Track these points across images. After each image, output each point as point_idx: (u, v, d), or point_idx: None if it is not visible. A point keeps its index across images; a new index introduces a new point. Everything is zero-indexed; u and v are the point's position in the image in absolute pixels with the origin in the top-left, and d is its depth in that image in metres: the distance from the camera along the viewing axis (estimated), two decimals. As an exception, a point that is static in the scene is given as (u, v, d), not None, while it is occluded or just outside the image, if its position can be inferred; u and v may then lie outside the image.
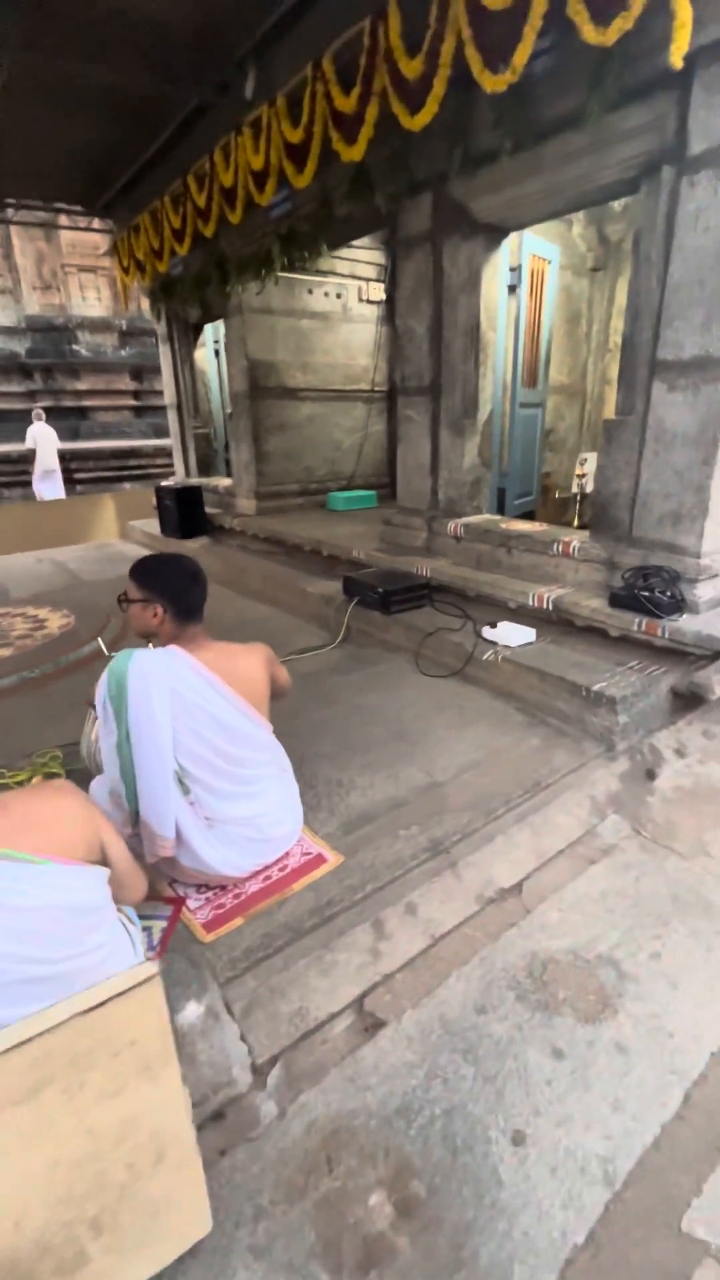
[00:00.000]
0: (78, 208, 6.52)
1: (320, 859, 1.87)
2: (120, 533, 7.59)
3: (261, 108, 3.54)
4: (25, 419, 10.16)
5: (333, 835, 1.99)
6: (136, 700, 1.55)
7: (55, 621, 4.15)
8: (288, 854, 1.87)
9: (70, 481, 10.78)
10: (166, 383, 6.72)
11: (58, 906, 1.12)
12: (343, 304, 5.70)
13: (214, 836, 1.69)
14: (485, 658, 2.94)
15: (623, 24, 2.02)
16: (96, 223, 7.19)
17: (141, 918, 1.64)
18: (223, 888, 1.76)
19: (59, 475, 9.77)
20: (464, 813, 2.10)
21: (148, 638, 1.74)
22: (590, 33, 2.10)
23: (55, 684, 3.21)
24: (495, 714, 2.72)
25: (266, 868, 1.81)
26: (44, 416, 9.82)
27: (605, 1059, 1.40)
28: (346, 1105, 1.32)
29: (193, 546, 5.71)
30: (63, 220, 10.21)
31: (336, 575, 4.02)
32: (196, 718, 1.60)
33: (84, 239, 11.13)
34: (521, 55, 2.29)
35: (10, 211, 7.24)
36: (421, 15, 2.58)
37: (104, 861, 1.29)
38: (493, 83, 2.40)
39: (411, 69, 2.67)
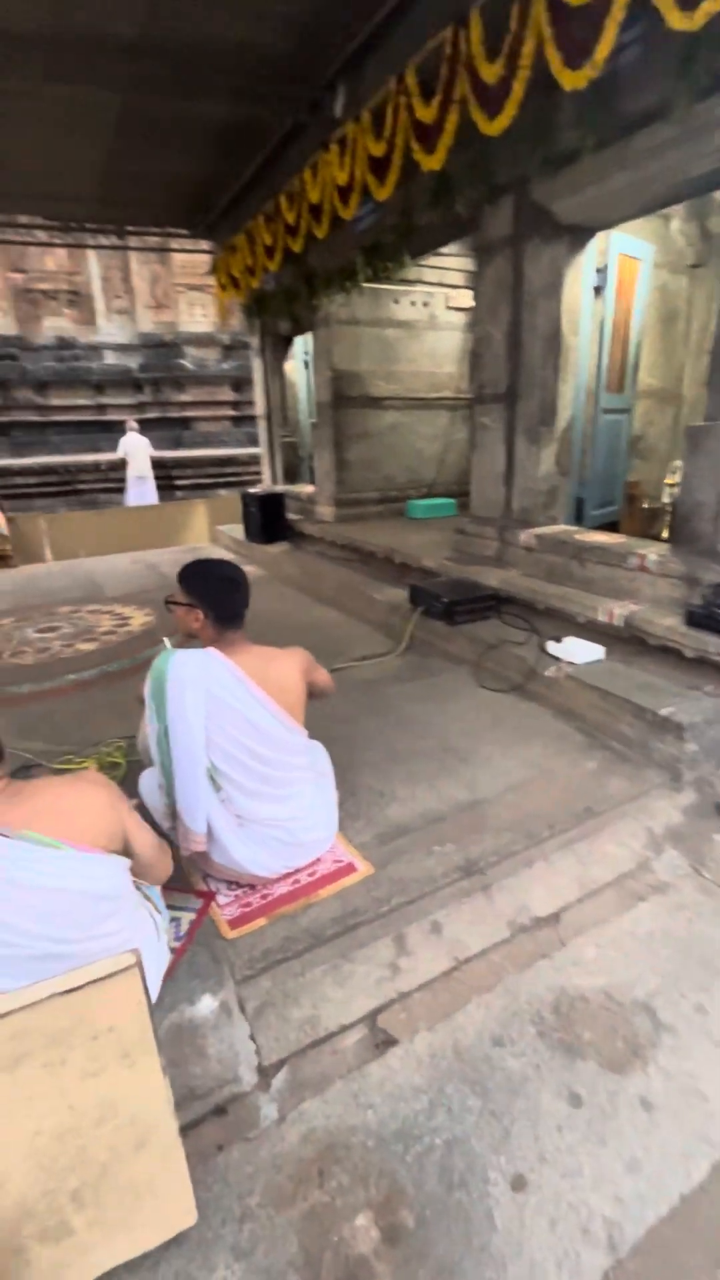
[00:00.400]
0: (184, 231, 6.93)
1: (350, 868, 1.86)
2: (210, 537, 7.96)
3: (347, 125, 3.62)
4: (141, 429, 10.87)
5: (367, 845, 1.98)
6: (173, 699, 1.62)
7: (138, 620, 4.41)
8: (319, 859, 1.88)
9: (171, 487, 11.43)
10: (257, 394, 6.98)
11: (74, 891, 1.19)
12: (429, 312, 5.69)
13: (244, 835, 1.73)
14: (548, 673, 2.83)
15: (711, 6, 1.89)
16: (203, 244, 7.61)
17: (171, 908, 1.70)
18: (251, 887, 1.80)
19: (151, 482, 10.36)
20: (504, 833, 2.02)
21: (193, 638, 1.81)
22: (676, 18, 1.98)
23: (130, 679, 3.41)
24: (552, 733, 2.61)
25: (296, 871, 1.83)
26: (137, 427, 10.46)
27: (627, 1113, 1.30)
28: (346, 1120, 1.31)
29: (273, 551, 5.89)
30: (174, 244, 10.87)
31: (406, 583, 4.01)
32: (230, 719, 1.65)
33: (194, 260, 11.80)
34: (604, 49, 2.20)
35: (130, 238, 7.81)
36: (502, 20, 2.54)
37: (126, 852, 1.36)
38: (572, 79, 2.32)
39: (491, 73, 2.64)
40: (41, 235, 10.18)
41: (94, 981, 0.86)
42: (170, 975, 1.53)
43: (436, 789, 2.26)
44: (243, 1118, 1.31)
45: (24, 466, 10.78)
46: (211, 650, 1.69)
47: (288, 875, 1.82)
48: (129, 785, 2.16)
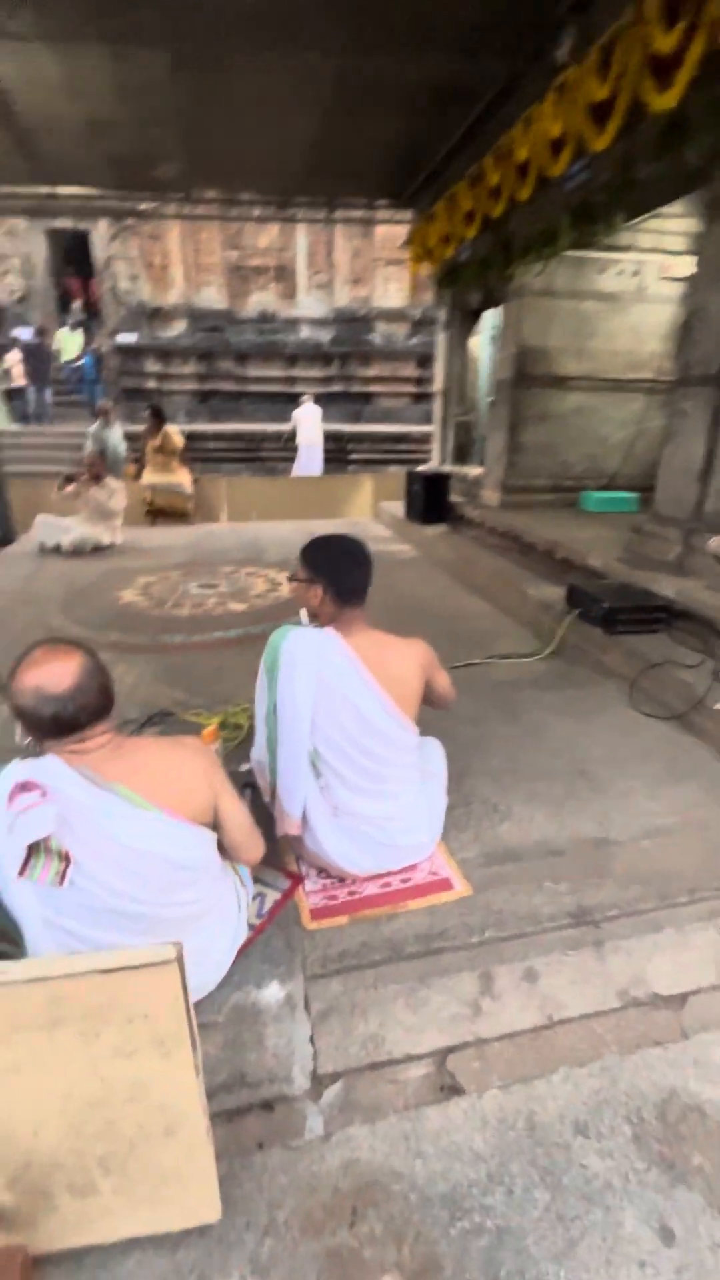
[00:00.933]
0: (386, 201, 6.86)
1: (446, 883, 1.72)
2: (373, 512, 8.00)
3: (569, 70, 3.26)
4: (320, 402, 11.22)
5: (469, 862, 1.82)
6: (284, 677, 1.57)
7: (287, 587, 4.52)
8: (414, 867, 1.76)
9: (344, 461, 11.68)
10: (438, 368, 6.79)
11: (155, 854, 1.18)
12: (638, 282, 5.09)
13: (338, 827, 1.66)
14: (717, 706, 2.41)
15: None
16: (405, 214, 7.50)
17: (257, 882, 1.69)
18: (340, 880, 1.73)
19: (319, 453, 10.58)
20: (632, 885, 1.75)
21: (313, 615, 1.75)
22: None
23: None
24: (712, 777, 2.22)
25: (388, 874, 1.73)
26: (310, 399, 10.71)
27: (734, 1274, 1.04)
28: (393, 1163, 1.20)
29: (430, 533, 5.74)
30: (378, 215, 10.88)
31: (565, 582, 3.67)
32: (337, 704, 1.57)
33: (394, 233, 11.75)
34: None
35: (337, 212, 7.93)
36: None
37: (215, 826, 1.34)
38: None
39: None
40: (257, 212, 10.73)
41: (130, 968, 0.82)
42: (244, 952, 1.52)
43: (560, 817, 2.02)
44: (288, 1122, 1.25)
45: (217, 432, 11.63)
46: (330, 631, 1.61)
47: (378, 876, 1.72)
48: (246, 749, 2.19)
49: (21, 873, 1.11)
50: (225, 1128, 1.22)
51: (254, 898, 1.64)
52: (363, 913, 1.63)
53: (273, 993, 1.43)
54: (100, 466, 6.13)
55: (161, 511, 7.35)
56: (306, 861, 1.77)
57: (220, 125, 4.72)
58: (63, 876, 1.12)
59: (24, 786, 1.14)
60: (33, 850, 1.11)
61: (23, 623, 3.92)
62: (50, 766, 1.16)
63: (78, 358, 12.25)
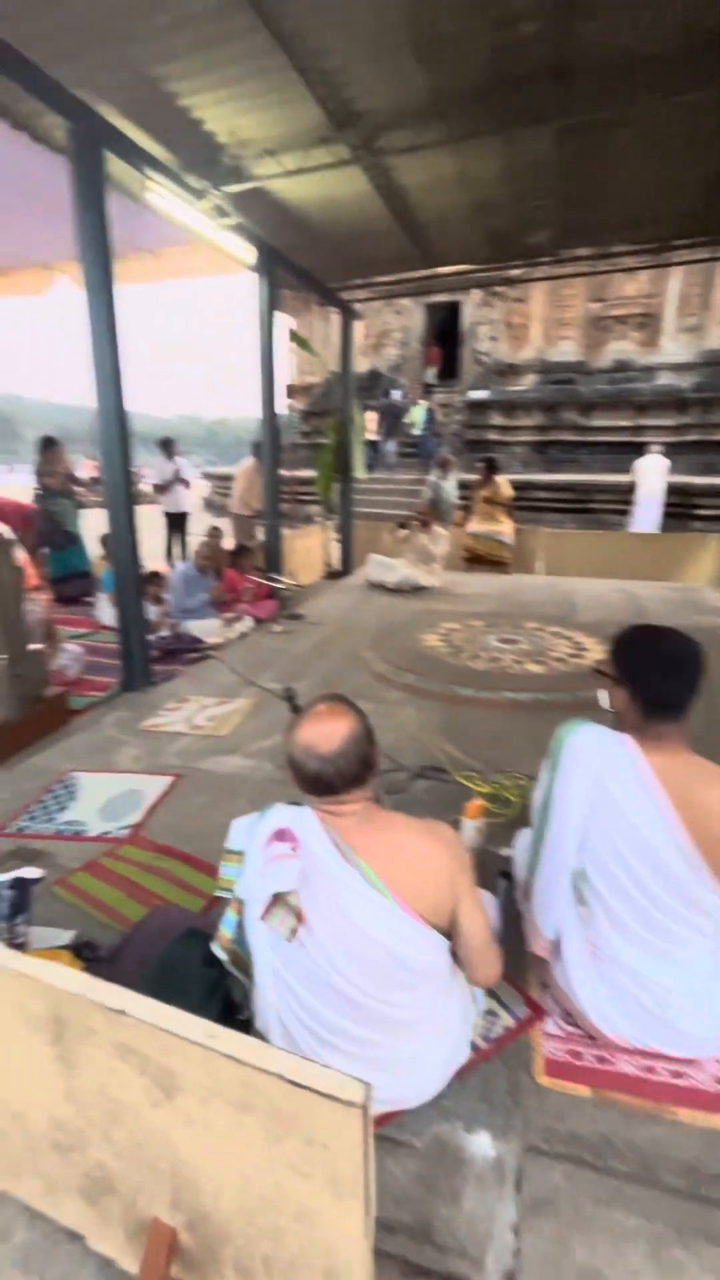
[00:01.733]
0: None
1: (739, 1104, 1.28)
2: (715, 578, 6.90)
3: None
4: (669, 453, 10.24)
5: (781, 1086, 1.33)
6: (562, 774, 1.37)
7: (595, 654, 4.14)
8: (695, 1063, 1.35)
9: (689, 517, 10.40)
10: None
11: (382, 944, 1.12)
12: None
13: (596, 973, 1.37)
14: None
15: None
16: None
17: (490, 996, 1.50)
18: (590, 1037, 1.42)
19: (658, 507, 9.48)
20: None
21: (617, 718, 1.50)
22: None
23: (559, 715, 3.22)
24: None
25: (654, 1057, 1.36)
26: (660, 450, 9.65)
27: None
28: None
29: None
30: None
31: None
32: (619, 827, 1.30)
33: None
34: None
35: None
36: None
37: (450, 929, 1.22)
38: None
39: None
40: (629, 261, 10.39)
41: (314, 1091, 0.75)
42: (463, 1075, 1.35)
43: None
44: (465, 1318, 1.05)
45: (549, 482, 11.51)
46: (625, 739, 1.35)
47: (642, 1053, 1.37)
48: (514, 828, 2.02)
49: (263, 916, 1.16)
50: (389, 1269, 1.07)
51: (484, 1013, 1.46)
52: (610, 1092, 1.31)
53: (482, 1145, 1.23)
54: (431, 514, 6.59)
55: (480, 559, 7.54)
56: (553, 996, 1.51)
57: (598, 184, 4.67)
58: (293, 933, 1.13)
59: (280, 835, 1.19)
60: (276, 899, 1.15)
61: (340, 652, 4.39)
62: (306, 821, 1.20)
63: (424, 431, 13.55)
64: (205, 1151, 0.89)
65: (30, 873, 1.46)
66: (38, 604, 3.98)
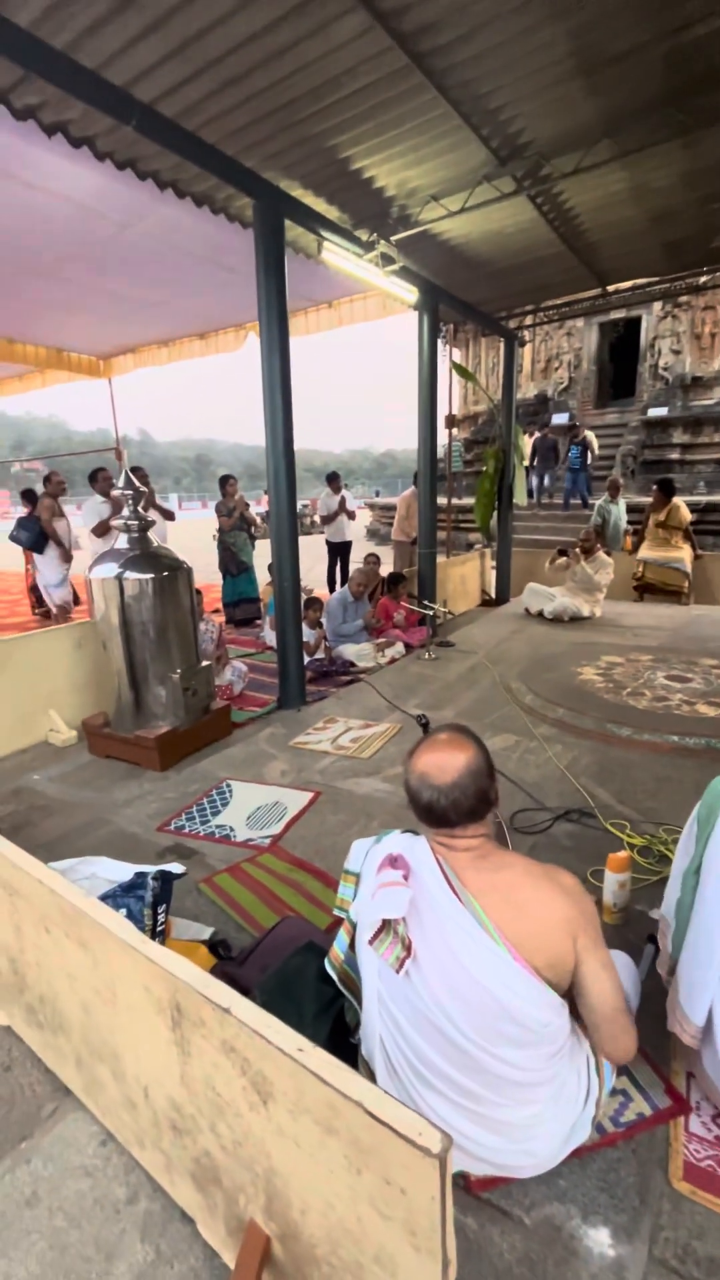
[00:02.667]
0: None
1: None
2: None
3: None
4: None
5: None
6: (717, 837, 1.21)
7: (788, 698, 3.58)
8: None
9: None
10: None
11: (488, 991, 1.07)
12: None
13: (754, 1072, 1.17)
14: None
15: None
16: None
17: (621, 1074, 1.35)
18: (745, 1145, 1.21)
19: None
20: None
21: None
22: None
23: (739, 766, 2.84)
24: None
25: None
26: None
27: None
28: None
29: None
30: None
31: None
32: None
33: None
34: None
35: None
36: None
37: (572, 990, 1.12)
38: None
39: None
40: None
41: (391, 1129, 0.73)
42: (583, 1157, 1.22)
43: None
44: None
45: (739, 504, 10.31)
46: None
47: None
48: (664, 889, 1.82)
49: (371, 941, 1.16)
50: None
51: (612, 1093, 1.31)
52: (768, 1220, 1.10)
53: (601, 1242, 1.10)
54: (594, 540, 6.23)
55: (651, 588, 6.94)
56: (700, 1087, 1.32)
57: None
58: (400, 964, 1.12)
59: (394, 861, 1.19)
60: (385, 925, 1.15)
61: (489, 681, 4.29)
62: (420, 852, 1.19)
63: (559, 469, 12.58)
64: (295, 1165, 0.91)
65: (175, 868, 1.61)
66: (213, 624, 4.44)
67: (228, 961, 1.67)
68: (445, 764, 1.15)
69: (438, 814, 1.14)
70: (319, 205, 3.93)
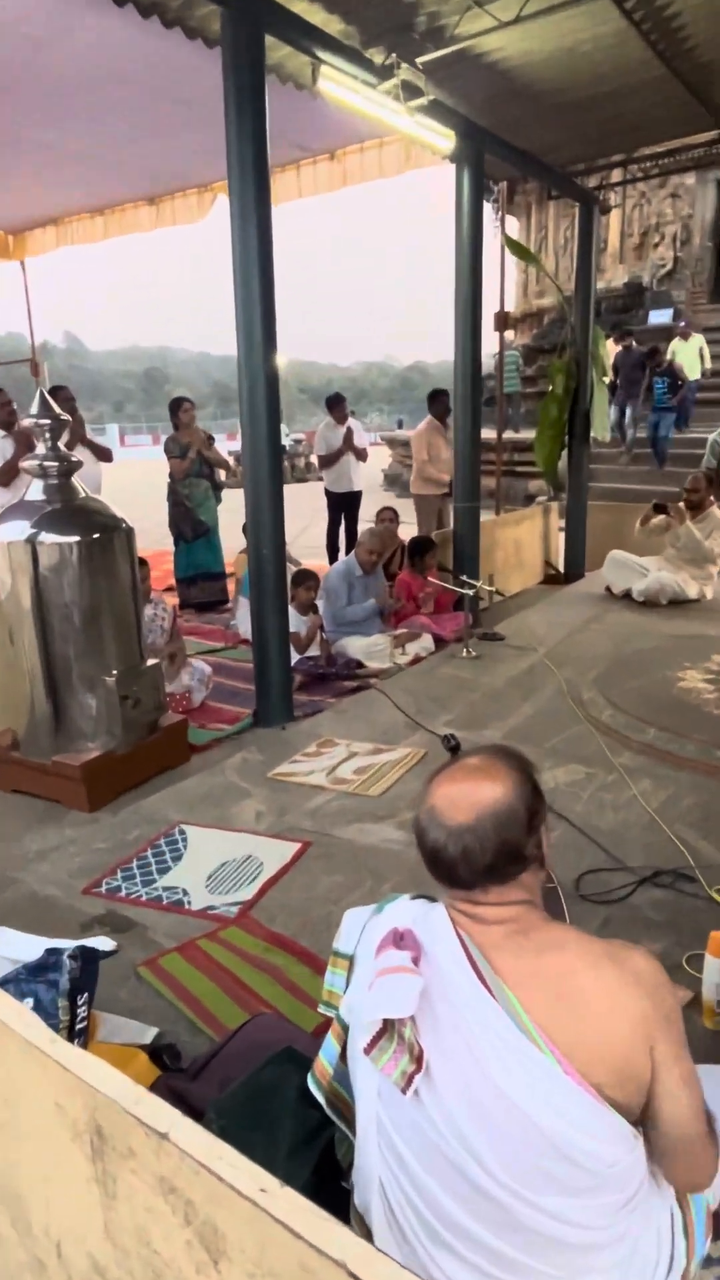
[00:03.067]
0: None
1: None
2: None
3: None
4: None
5: None
6: None
7: None
8: None
9: None
10: None
11: (530, 1119, 1.08)
12: None
13: None
14: None
15: None
16: None
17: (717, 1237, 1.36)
18: None
19: None
20: None
21: None
22: None
23: None
24: None
25: None
26: None
27: None
28: None
29: None
30: None
31: None
32: None
33: None
34: None
35: None
36: None
37: (639, 1106, 1.14)
38: None
39: None
40: None
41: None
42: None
43: None
44: None
45: None
46: None
47: None
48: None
49: (368, 1049, 1.18)
50: None
51: (706, 1262, 1.33)
52: None
53: None
54: (706, 491, 6.20)
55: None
56: None
57: None
58: (408, 1082, 1.14)
59: (399, 939, 1.21)
60: (387, 1028, 1.17)
61: (551, 689, 4.30)
62: (437, 925, 1.20)
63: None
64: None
65: (103, 944, 1.64)
66: (164, 609, 4.49)
67: (176, 1074, 1.71)
68: (462, 798, 1.16)
69: (444, 866, 1.16)
70: (315, 14, 3.93)
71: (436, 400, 7.11)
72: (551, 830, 1.19)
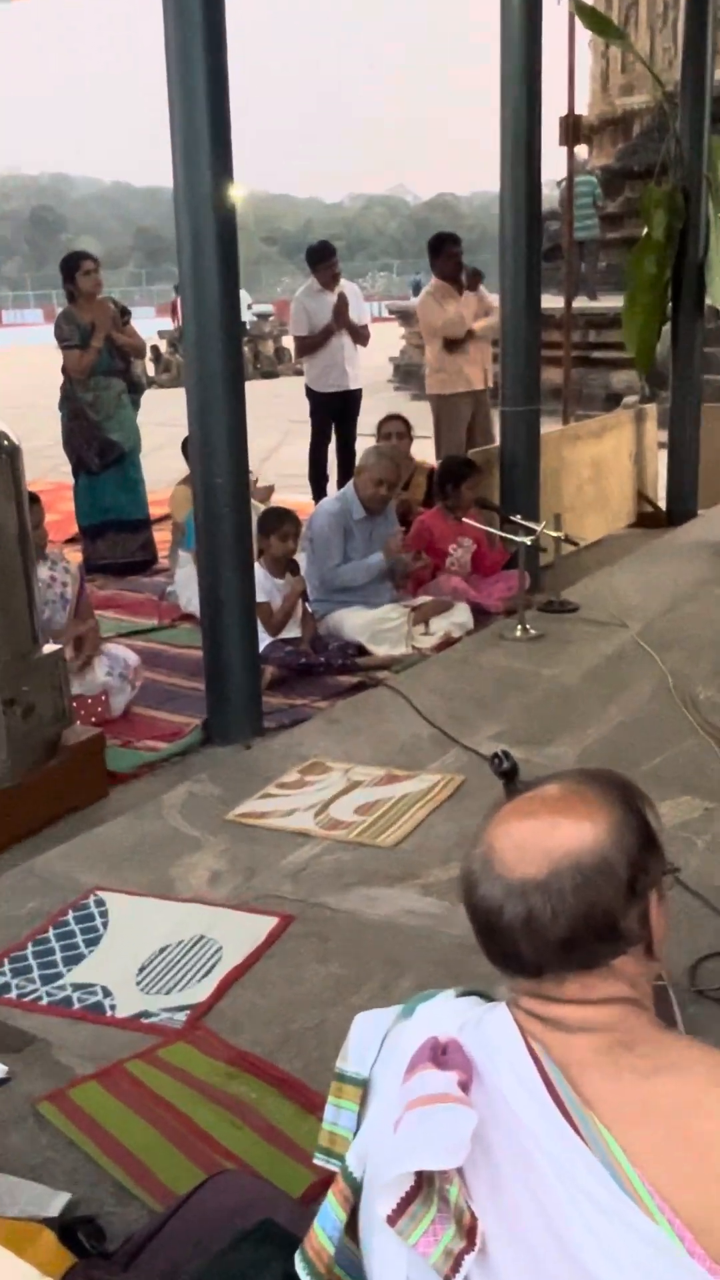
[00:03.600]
0: None
1: None
2: None
3: None
4: None
5: None
6: None
7: None
8: None
9: None
10: None
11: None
12: None
13: None
14: None
15: None
16: None
17: None
18: None
19: None
20: None
21: None
22: None
23: None
24: None
25: None
26: None
27: None
28: None
29: None
30: None
31: None
32: None
33: None
34: None
35: None
36: None
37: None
38: None
39: None
40: None
41: None
42: None
43: None
44: None
45: None
46: None
47: None
48: None
49: (393, 1218, 1.19)
50: None
51: None
52: None
53: None
54: None
55: None
56: None
57: None
58: (456, 1264, 1.15)
59: (439, 1053, 1.22)
60: (422, 1184, 1.18)
61: (649, 685, 4.31)
62: (495, 1032, 1.21)
63: None
64: None
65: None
66: (67, 568, 4.47)
67: (98, 1261, 1.71)
68: (533, 840, 1.15)
69: (500, 939, 1.16)
70: None
71: (440, 250, 7.09)
72: (665, 896, 1.18)
